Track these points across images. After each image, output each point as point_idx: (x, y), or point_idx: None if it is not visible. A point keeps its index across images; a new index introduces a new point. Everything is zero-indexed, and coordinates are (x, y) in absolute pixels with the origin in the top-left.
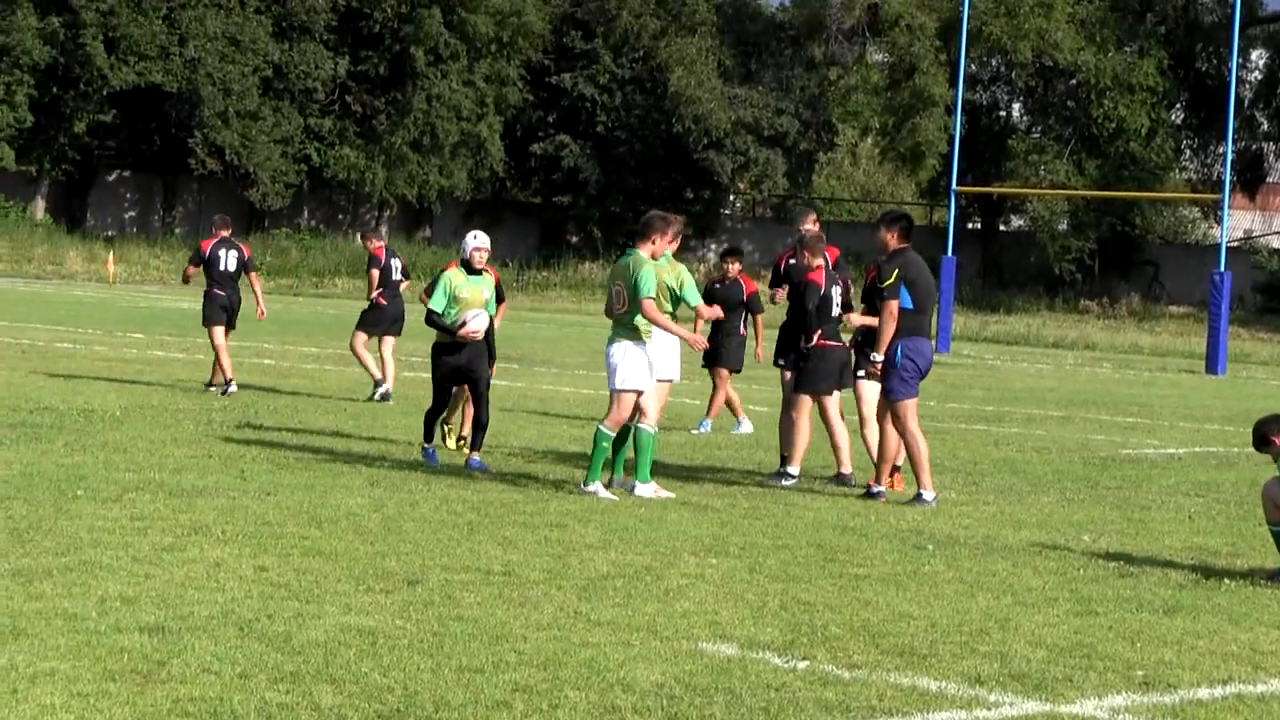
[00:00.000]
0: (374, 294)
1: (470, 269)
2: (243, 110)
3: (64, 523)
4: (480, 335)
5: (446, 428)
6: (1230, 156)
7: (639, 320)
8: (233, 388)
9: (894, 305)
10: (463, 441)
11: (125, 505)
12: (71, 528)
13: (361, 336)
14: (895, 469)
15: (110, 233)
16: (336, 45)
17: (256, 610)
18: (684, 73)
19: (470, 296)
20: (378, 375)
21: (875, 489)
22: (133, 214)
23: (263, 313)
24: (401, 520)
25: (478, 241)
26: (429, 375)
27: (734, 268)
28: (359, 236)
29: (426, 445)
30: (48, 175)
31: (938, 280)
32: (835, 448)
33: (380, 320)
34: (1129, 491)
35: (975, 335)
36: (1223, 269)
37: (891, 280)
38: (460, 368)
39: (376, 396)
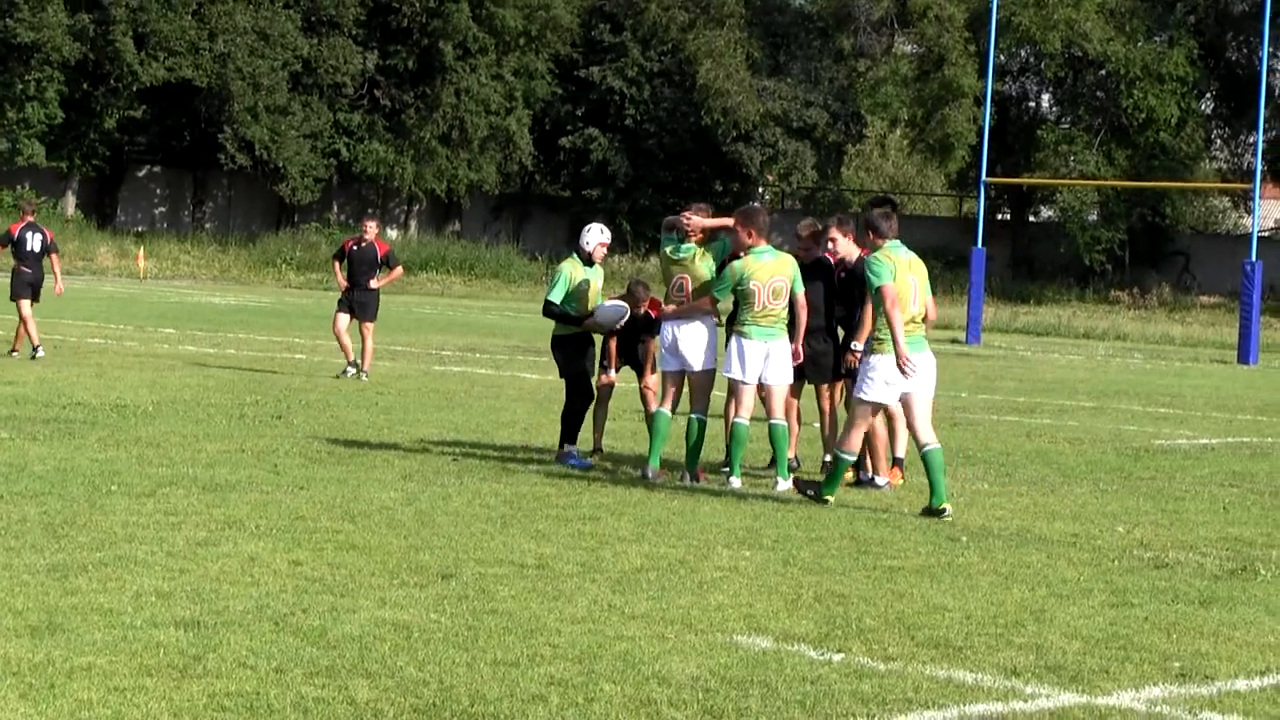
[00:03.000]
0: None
1: (588, 261)
2: (272, 105)
3: (98, 518)
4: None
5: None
6: (1261, 146)
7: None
8: (40, 353)
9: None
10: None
11: (159, 500)
12: (106, 523)
13: (343, 319)
14: (897, 461)
15: (141, 228)
16: (365, 40)
17: (291, 605)
18: (712, 65)
19: (588, 289)
20: (352, 357)
21: (879, 480)
22: (163, 209)
23: (60, 289)
24: (435, 514)
25: (603, 237)
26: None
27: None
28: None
29: (569, 448)
30: (78, 171)
31: (968, 271)
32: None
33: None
34: (1162, 482)
35: (1006, 326)
36: (1254, 259)
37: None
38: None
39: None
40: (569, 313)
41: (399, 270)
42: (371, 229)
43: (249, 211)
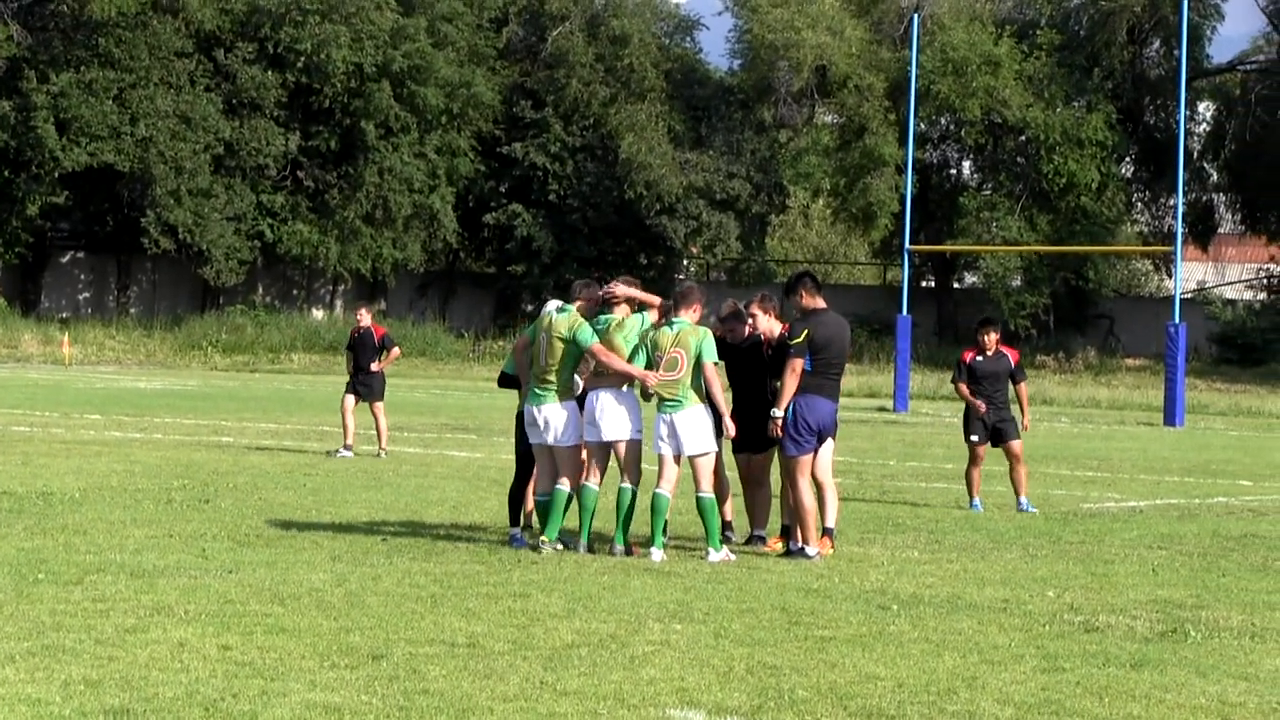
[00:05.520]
0: None
1: None
2: (195, 188)
3: (25, 607)
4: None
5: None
6: (1181, 209)
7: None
8: None
9: (799, 364)
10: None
11: (87, 588)
12: (33, 612)
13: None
14: (826, 531)
15: (65, 314)
16: (287, 121)
17: (221, 690)
18: (634, 139)
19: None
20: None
21: (809, 550)
22: (87, 295)
23: None
24: (364, 595)
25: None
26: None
27: (992, 338)
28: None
29: (513, 530)
30: (1, 259)
31: (893, 339)
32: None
33: None
34: (1091, 546)
35: (933, 394)
36: (1177, 321)
37: (800, 339)
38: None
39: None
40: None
41: (396, 351)
42: (365, 316)
43: (174, 295)
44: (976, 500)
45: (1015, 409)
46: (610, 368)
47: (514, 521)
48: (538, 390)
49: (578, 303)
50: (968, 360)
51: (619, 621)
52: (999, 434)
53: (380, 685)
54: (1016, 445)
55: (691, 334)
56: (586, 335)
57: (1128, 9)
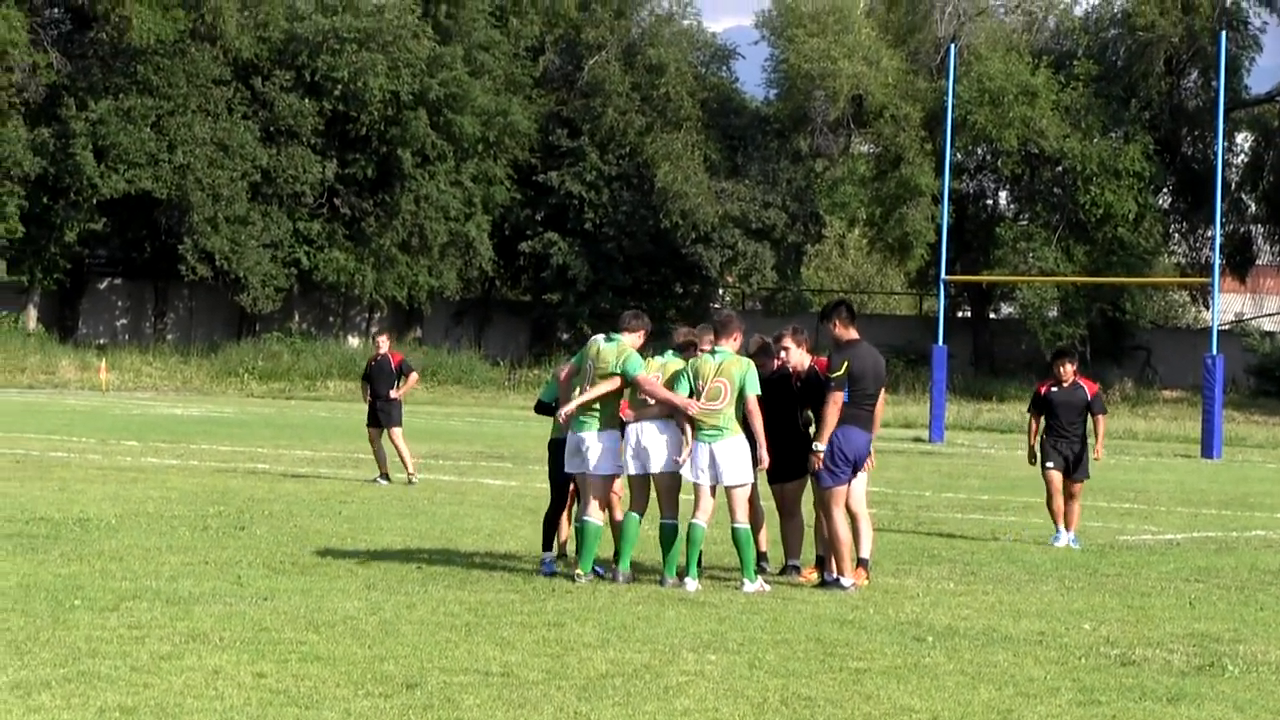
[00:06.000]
0: None
1: None
2: (232, 215)
3: (61, 633)
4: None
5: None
6: (1219, 240)
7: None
8: None
9: (839, 396)
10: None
11: (122, 614)
12: (69, 638)
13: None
14: (861, 562)
15: (102, 340)
16: (324, 149)
17: (255, 717)
18: (670, 168)
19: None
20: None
21: (844, 581)
22: (124, 321)
23: None
24: (399, 623)
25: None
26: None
27: (1069, 369)
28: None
29: (545, 555)
30: (39, 285)
31: (929, 369)
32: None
33: None
34: (1128, 578)
35: (969, 424)
36: (1215, 352)
37: (840, 372)
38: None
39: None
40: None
41: (414, 377)
42: (384, 344)
43: (210, 322)
44: (1061, 532)
45: (1092, 441)
46: (655, 398)
47: (546, 546)
48: (581, 418)
49: (625, 334)
50: (1043, 392)
51: (653, 651)
52: (1068, 467)
53: (415, 714)
54: (1078, 485)
55: (735, 365)
56: (635, 364)
57: (1165, 40)
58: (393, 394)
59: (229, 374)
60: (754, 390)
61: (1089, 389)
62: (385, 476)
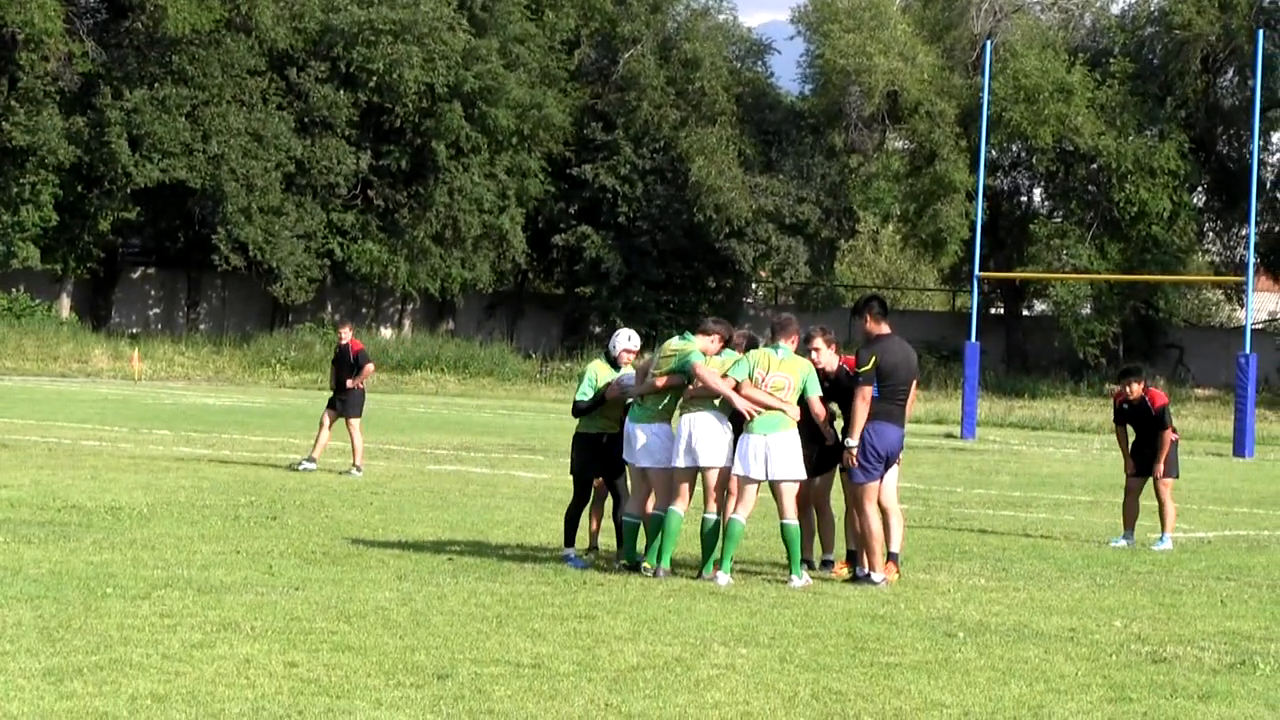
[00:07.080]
0: None
1: (614, 364)
2: (266, 206)
3: (93, 621)
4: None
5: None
6: (1253, 239)
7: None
8: None
9: (867, 391)
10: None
11: (154, 602)
12: (101, 626)
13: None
14: (892, 556)
15: (135, 330)
16: (358, 140)
17: (287, 707)
18: (704, 162)
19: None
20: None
21: (875, 576)
22: (157, 311)
23: None
24: (430, 614)
25: (629, 343)
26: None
27: (1135, 389)
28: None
29: (568, 550)
30: (72, 274)
31: (962, 366)
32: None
33: None
34: (1159, 576)
35: (1000, 420)
36: (1248, 351)
37: (868, 367)
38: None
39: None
40: (590, 397)
41: (369, 367)
42: (345, 334)
43: (243, 312)
44: (1124, 535)
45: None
46: (711, 388)
47: (568, 543)
48: (638, 408)
49: (699, 335)
50: (1118, 401)
51: (684, 645)
52: (1148, 470)
53: (445, 705)
54: (1166, 484)
55: (797, 365)
56: (695, 356)
57: (1202, 38)
58: (349, 383)
59: (261, 364)
60: (815, 392)
61: (1154, 402)
62: (313, 460)
